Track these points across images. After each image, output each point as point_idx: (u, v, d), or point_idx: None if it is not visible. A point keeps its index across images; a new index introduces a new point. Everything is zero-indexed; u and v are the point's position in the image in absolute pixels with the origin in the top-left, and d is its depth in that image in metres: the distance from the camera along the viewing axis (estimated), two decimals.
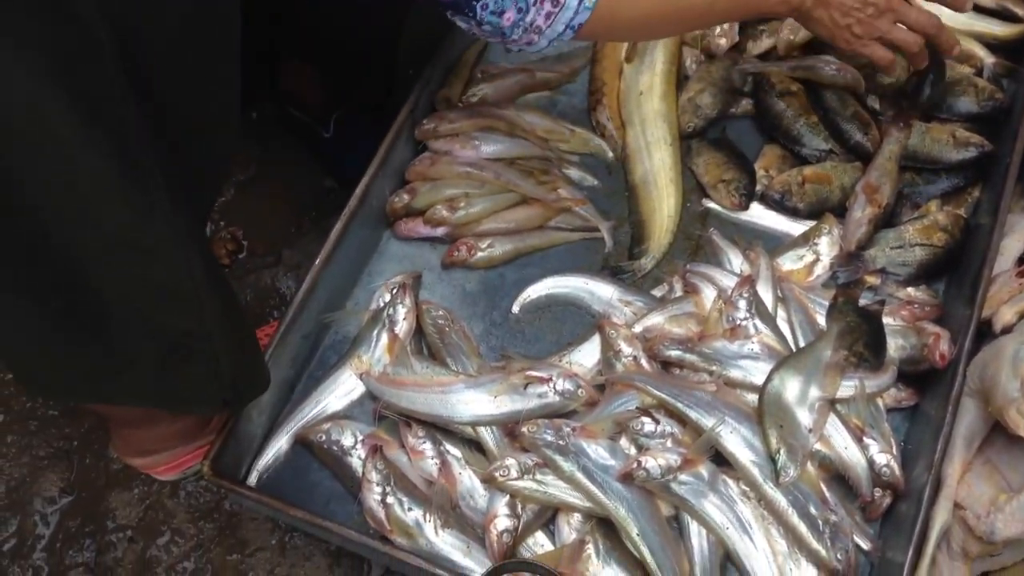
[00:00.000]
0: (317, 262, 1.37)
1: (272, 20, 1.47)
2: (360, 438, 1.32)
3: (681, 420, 1.27)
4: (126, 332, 1.01)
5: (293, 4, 1.51)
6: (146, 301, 0.99)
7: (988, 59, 1.65)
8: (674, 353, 1.33)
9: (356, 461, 1.31)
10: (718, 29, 1.68)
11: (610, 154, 1.61)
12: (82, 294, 0.96)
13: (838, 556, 1.20)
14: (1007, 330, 1.29)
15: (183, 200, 0.97)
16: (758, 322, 1.35)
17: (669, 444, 1.25)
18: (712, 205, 1.56)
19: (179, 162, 0.96)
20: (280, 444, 1.35)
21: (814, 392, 1.27)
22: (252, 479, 1.33)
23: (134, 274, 0.96)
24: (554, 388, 1.30)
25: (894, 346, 1.36)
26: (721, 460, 1.25)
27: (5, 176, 0.83)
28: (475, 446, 1.31)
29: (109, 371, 1.06)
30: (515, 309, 1.46)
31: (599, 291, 1.46)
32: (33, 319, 0.98)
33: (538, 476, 1.24)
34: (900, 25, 1.39)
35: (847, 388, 1.30)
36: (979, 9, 1.69)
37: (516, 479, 1.24)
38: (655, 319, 1.39)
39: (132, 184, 0.90)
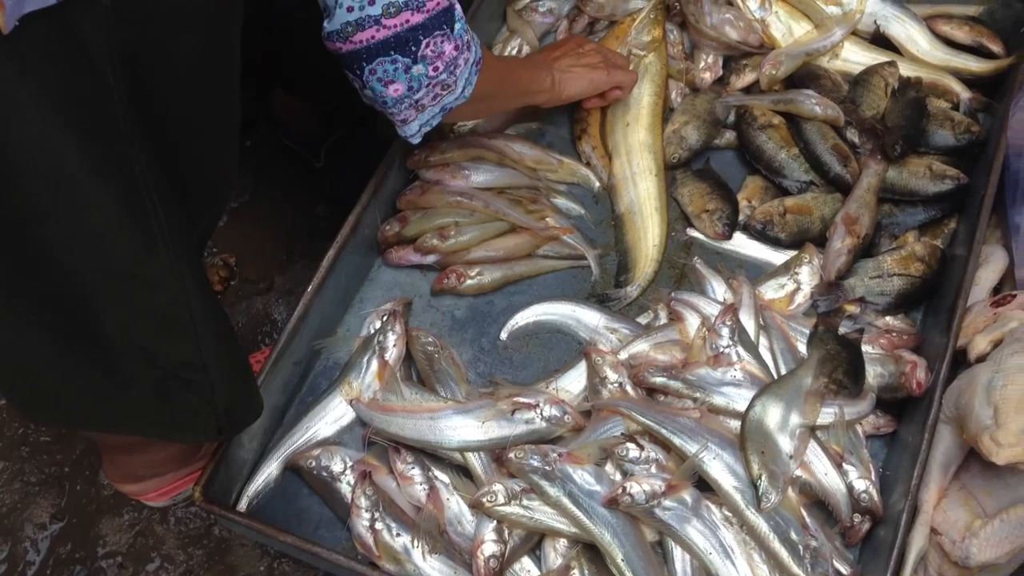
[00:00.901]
0: (309, 289, 1.39)
1: (264, 55, 1.50)
2: (349, 464, 1.33)
3: (666, 446, 1.30)
4: (123, 360, 1.03)
5: (284, 41, 1.54)
6: (144, 331, 1.01)
7: (965, 94, 1.70)
8: (659, 380, 1.36)
9: (345, 487, 1.32)
10: (702, 63, 1.72)
11: (596, 184, 1.64)
12: (83, 322, 0.98)
13: None
14: (981, 359, 1.32)
15: (184, 231, 1.00)
16: (741, 350, 1.38)
17: (654, 470, 1.27)
18: (696, 234, 1.59)
19: (181, 193, 0.98)
20: (270, 470, 1.36)
21: (795, 419, 1.30)
22: (242, 505, 1.34)
23: (134, 304, 0.98)
24: (541, 414, 1.33)
25: (873, 374, 1.39)
26: (705, 486, 1.27)
27: (17, 208, 0.86)
28: (463, 472, 1.33)
29: (105, 398, 1.08)
30: (503, 336, 1.49)
31: (586, 318, 1.48)
32: (33, 345, 1.00)
33: (525, 502, 1.26)
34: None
35: (827, 415, 1.32)
36: (956, 45, 1.74)
37: (503, 505, 1.25)
38: (640, 346, 1.42)
39: (136, 219, 0.92)
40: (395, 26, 1.07)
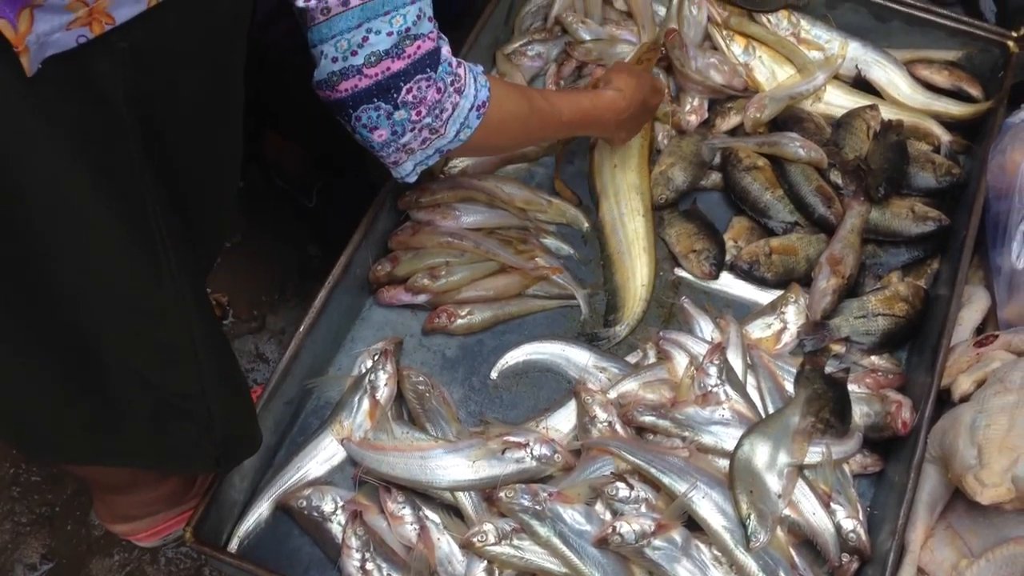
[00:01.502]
0: (301, 328, 1.40)
1: (257, 97, 1.53)
2: (340, 504, 1.33)
3: (655, 485, 1.31)
4: (123, 390, 1.04)
5: (276, 84, 1.57)
6: (146, 361, 1.02)
7: (945, 137, 1.73)
8: (648, 419, 1.37)
9: (336, 527, 1.32)
10: (688, 106, 1.75)
11: (585, 224, 1.67)
12: (84, 354, 0.99)
13: None
14: (965, 399, 1.34)
15: (190, 263, 1.02)
16: (729, 389, 1.39)
17: (643, 509, 1.28)
18: (684, 274, 1.61)
19: (187, 228, 1.00)
20: (261, 510, 1.36)
21: (783, 458, 1.31)
22: (233, 545, 1.34)
23: (137, 335, 1.00)
24: (531, 453, 1.33)
25: (859, 413, 1.41)
26: (694, 525, 1.28)
27: (28, 243, 0.87)
28: (454, 511, 1.33)
29: (103, 429, 1.08)
30: (494, 375, 1.50)
31: (575, 357, 1.50)
32: (34, 379, 1.00)
33: (515, 541, 1.26)
34: None
35: (814, 454, 1.34)
36: (936, 89, 1.78)
37: (494, 544, 1.26)
38: (629, 385, 1.43)
39: (144, 253, 0.95)
40: (376, 75, 1.11)
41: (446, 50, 1.16)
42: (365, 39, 1.08)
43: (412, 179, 1.28)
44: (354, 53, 1.09)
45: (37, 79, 0.79)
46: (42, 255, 0.89)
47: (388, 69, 1.11)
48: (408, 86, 1.12)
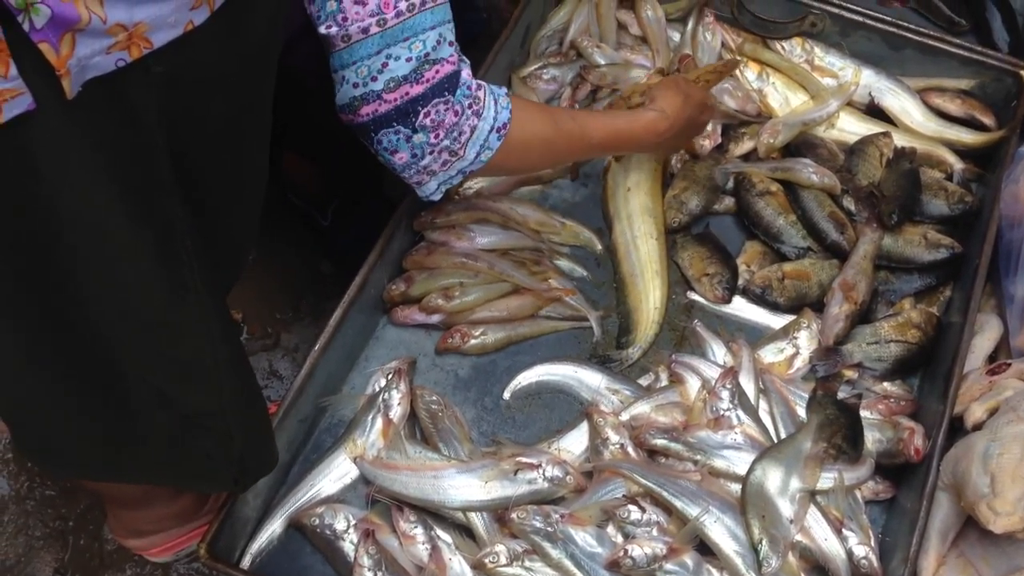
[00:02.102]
0: (316, 347, 1.41)
1: (276, 117, 1.55)
2: (353, 522, 1.34)
3: (667, 508, 1.31)
4: (145, 407, 1.05)
5: (296, 105, 1.58)
6: (169, 378, 1.03)
7: (958, 165, 1.74)
8: (660, 442, 1.37)
9: (348, 545, 1.33)
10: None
11: (599, 247, 1.68)
12: (105, 371, 1.00)
13: None
14: (978, 427, 1.34)
15: (213, 281, 1.03)
16: (741, 413, 1.40)
17: (655, 532, 1.28)
18: (696, 298, 1.62)
19: (211, 248, 1.02)
20: (274, 527, 1.36)
21: (795, 483, 1.31)
22: (245, 562, 1.34)
23: (161, 353, 1.01)
24: (543, 474, 1.34)
25: (871, 439, 1.41)
26: (706, 549, 1.28)
27: (57, 257, 0.89)
28: (466, 532, 1.34)
29: (123, 446, 1.09)
30: (506, 395, 1.50)
31: (588, 379, 1.50)
32: (55, 395, 1.01)
33: (527, 563, 1.27)
34: None
35: (827, 480, 1.34)
36: (949, 118, 1.79)
37: (505, 566, 1.26)
38: (641, 408, 1.44)
39: (171, 272, 0.96)
40: (395, 99, 1.13)
41: (466, 73, 1.18)
42: (385, 65, 1.11)
43: (437, 197, 1.29)
44: (374, 79, 1.11)
45: (77, 101, 0.81)
46: (71, 271, 0.90)
47: (407, 94, 1.13)
48: (426, 110, 1.14)
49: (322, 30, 1.09)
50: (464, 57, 1.19)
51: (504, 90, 1.26)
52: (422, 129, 1.15)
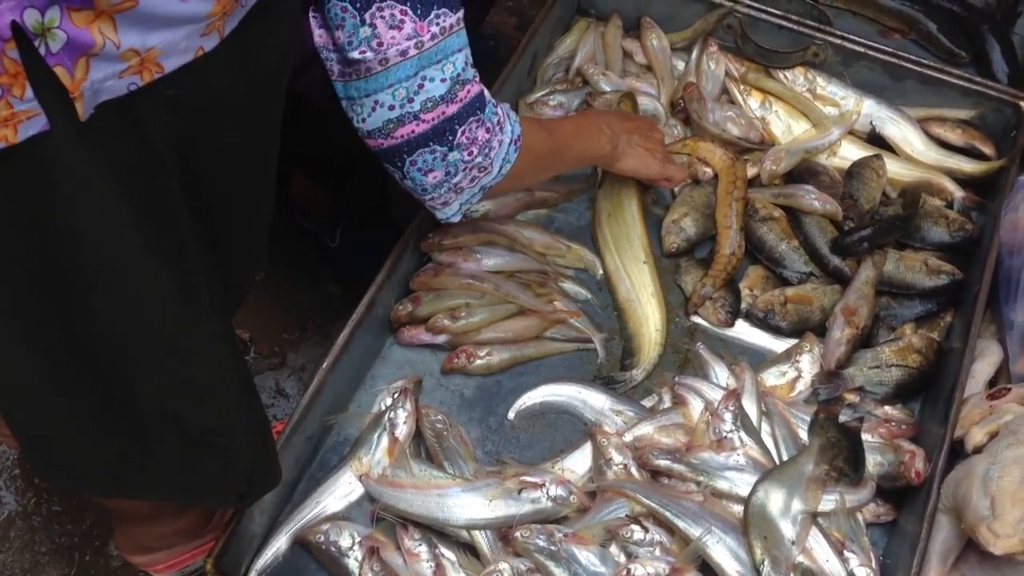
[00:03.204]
0: (324, 365, 1.42)
1: (286, 140, 1.57)
2: (358, 539, 1.34)
3: (670, 529, 1.32)
4: (155, 427, 1.06)
5: (307, 129, 1.61)
6: (181, 399, 1.05)
7: (958, 193, 1.77)
8: (663, 463, 1.38)
9: (353, 562, 1.33)
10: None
11: (601, 270, 1.69)
12: (119, 391, 1.01)
13: None
14: (978, 450, 1.35)
15: (223, 304, 1.05)
16: (743, 435, 1.41)
17: (658, 552, 1.29)
18: (700, 321, 1.63)
19: (221, 269, 1.04)
20: (279, 544, 1.37)
21: (797, 505, 1.32)
22: None
23: (171, 373, 1.02)
24: (547, 494, 1.34)
25: (872, 462, 1.42)
26: (708, 570, 1.29)
27: (75, 282, 0.90)
28: (470, 550, 1.34)
29: (132, 464, 1.10)
30: (511, 415, 1.51)
31: (592, 400, 1.51)
32: (68, 413, 1.03)
33: None
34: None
35: (828, 502, 1.35)
36: (950, 147, 1.81)
37: None
38: (645, 429, 1.45)
39: (182, 293, 0.98)
40: (432, 119, 1.15)
41: (487, 92, 1.22)
42: (421, 86, 1.13)
43: (456, 219, 1.32)
44: (411, 100, 1.14)
45: (90, 123, 0.83)
46: (85, 291, 0.92)
47: (443, 113, 1.16)
48: (462, 128, 1.18)
49: (355, 55, 1.11)
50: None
51: (508, 105, 1.30)
52: (458, 147, 1.18)
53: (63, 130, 0.81)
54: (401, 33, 1.09)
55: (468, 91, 1.16)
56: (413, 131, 1.15)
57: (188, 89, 0.90)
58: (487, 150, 1.22)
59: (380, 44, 1.10)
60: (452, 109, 1.15)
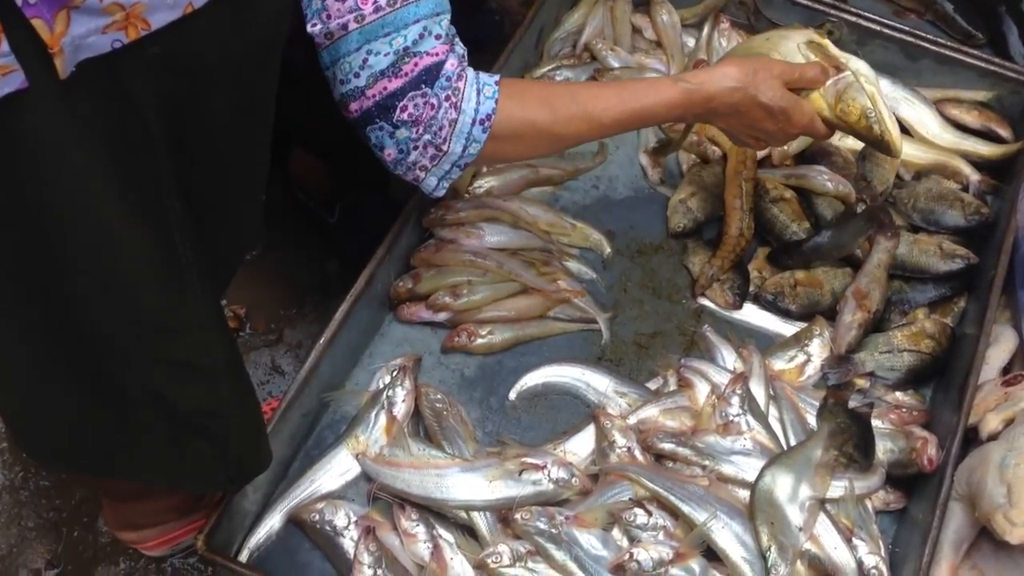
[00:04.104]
0: (321, 341, 1.39)
1: (284, 112, 1.53)
2: (353, 519, 1.31)
3: (674, 513, 1.29)
4: (141, 408, 1.03)
5: (302, 100, 1.57)
6: (166, 378, 1.01)
7: (974, 176, 1.73)
8: (667, 446, 1.35)
9: (348, 542, 1.30)
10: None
11: (608, 249, 1.66)
12: (104, 370, 0.98)
13: None
14: (993, 437, 1.32)
15: (211, 280, 1.01)
16: (750, 419, 1.38)
17: (661, 537, 1.26)
18: (706, 303, 1.60)
19: (209, 244, 0.99)
20: (273, 522, 1.34)
21: (805, 491, 1.29)
22: (243, 556, 1.32)
23: (159, 353, 0.99)
24: (548, 476, 1.31)
25: (882, 449, 1.39)
26: (712, 555, 1.26)
27: (50, 253, 0.86)
28: (468, 531, 1.31)
29: (119, 445, 1.07)
30: (512, 396, 1.48)
31: (595, 382, 1.48)
32: (52, 392, 1.00)
33: (530, 564, 1.24)
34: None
35: (837, 488, 1.32)
36: (966, 129, 1.78)
37: (508, 566, 1.24)
38: (649, 411, 1.42)
39: (169, 269, 0.94)
40: (375, 95, 1.12)
41: (451, 64, 1.14)
42: (365, 60, 1.10)
43: (440, 193, 1.27)
44: (356, 75, 1.11)
45: (70, 82, 0.78)
46: (65, 265, 0.88)
47: (385, 88, 1.11)
48: (403, 104, 1.12)
49: (309, 28, 1.08)
50: (457, 47, 1.16)
51: (494, 78, 1.21)
52: (402, 124, 1.14)
53: (43, 88, 0.77)
54: (344, 5, 1.06)
55: (416, 64, 1.10)
56: (361, 107, 1.12)
57: (176, 48, 0.85)
58: (435, 128, 1.15)
59: (328, 16, 1.07)
60: (395, 84, 1.11)
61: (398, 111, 1.12)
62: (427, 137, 1.15)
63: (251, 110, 1.02)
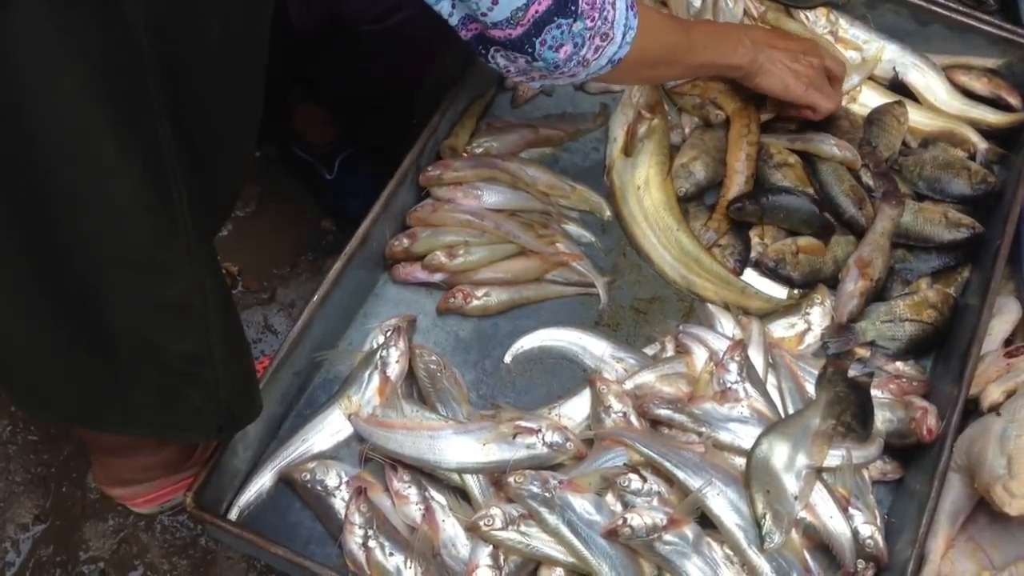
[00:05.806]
0: (314, 299, 1.37)
1: (290, 62, 1.50)
2: (345, 479, 1.30)
3: (668, 479, 1.27)
4: (130, 355, 1.00)
5: (316, 50, 1.53)
6: (155, 323, 0.99)
7: (981, 144, 1.70)
8: (663, 412, 1.34)
9: (339, 502, 1.29)
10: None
11: (607, 213, 1.63)
12: (91, 314, 0.95)
13: None
14: (994, 408, 1.30)
15: (203, 220, 0.98)
16: (748, 386, 1.36)
17: (655, 503, 1.25)
18: None
19: (200, 183, 0.96)
20: (263, 481, 1.33)
21: (801, 460, 1.28)
22: (233, 515, 1.31)
23: (148, 293, 0.96)
24: (542, 439, 1.30)
25: (881, 419, 1.37)
26: (707, 522, 1.25)
27: (34, 184, 0.83)
28: (460, 494, 1.30)
29: (108, 394, 1.05)
30: (507, 359, 1.46)
31: (592, 346, 1.46)
32: (38, 338, 0.97)
33: (523, 528, 1.23)
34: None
35: (834, 458, 1.30)
36: (975, 97, 1.74)
37: (500, 529, 1.23)
38: (646, 377, 1.40)
39: (160, 204, 0.90)
40: None
41: None
42: None
43: (581, 80, 1.28)
44: None
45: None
46: (50, 199, 0.85)
47: None
48: None
49: None
50: None
51: None
52: (581, 16, 1.15)
53: (29, 6, 0.73)
54: None
55: None
56: (538, 10, 1.12)
57: None
58: (605, 14, 1.17)
59: None
60: None
61: (580, 2, 1.13)
62: (599, 24, 1.17)
63: (246, 45, 0.98)
